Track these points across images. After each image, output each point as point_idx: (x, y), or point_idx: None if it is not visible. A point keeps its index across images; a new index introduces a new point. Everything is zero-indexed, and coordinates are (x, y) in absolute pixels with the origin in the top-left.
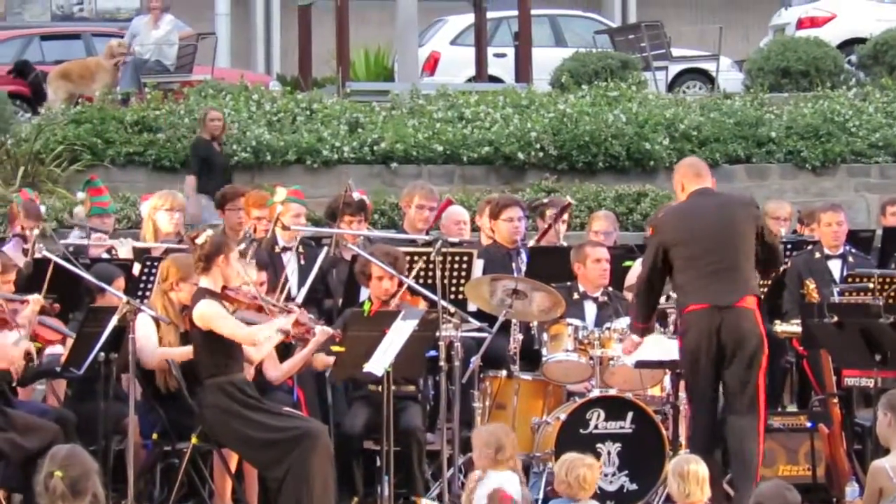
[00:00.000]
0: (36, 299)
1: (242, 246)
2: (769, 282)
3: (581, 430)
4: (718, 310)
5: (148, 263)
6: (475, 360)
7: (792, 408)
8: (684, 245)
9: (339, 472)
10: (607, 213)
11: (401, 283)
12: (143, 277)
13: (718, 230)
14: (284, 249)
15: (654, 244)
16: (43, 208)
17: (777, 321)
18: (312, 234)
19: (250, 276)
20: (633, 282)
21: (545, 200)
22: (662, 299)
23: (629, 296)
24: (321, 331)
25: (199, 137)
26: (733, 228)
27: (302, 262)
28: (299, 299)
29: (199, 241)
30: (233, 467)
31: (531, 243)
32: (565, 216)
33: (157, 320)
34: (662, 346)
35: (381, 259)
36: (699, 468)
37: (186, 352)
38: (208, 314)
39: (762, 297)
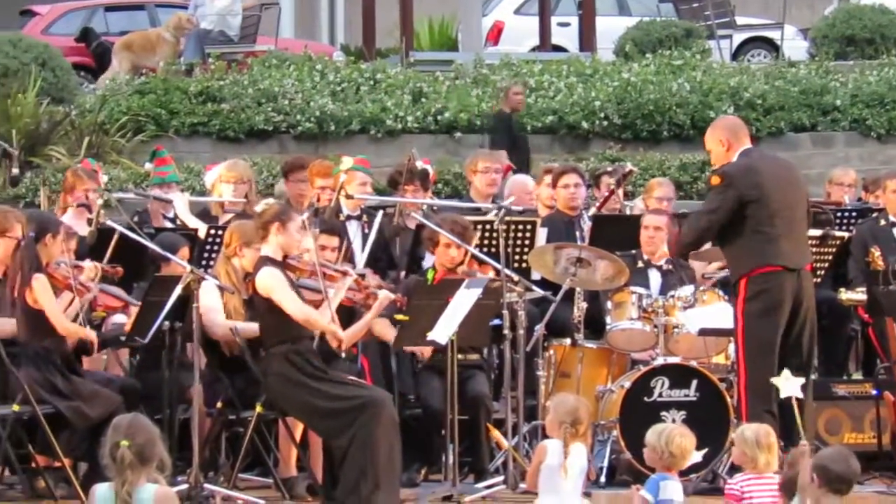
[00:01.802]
0: (92, 265)
1: (305, 215)
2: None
3: (645, 398)
4: (795, 272)
5: (212, 232)
6: (539, 329)
7: (857, 375)
8: (758, 203)
9: (410, 442)
10: (666, 181)
11: (468, 252)
12: (208, 247)
13: (788, 191)
14: (349, 218)
15: (729, 196)
16: (106, 178)
17: (842, 289)
18: (377, 203)
19: (307, 245)
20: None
21: (609, 169)
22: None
23: (695, 264)
24: (384, 296)
25: (500, 111)
26: (798, 190)
27: (366, 230)
28: (360, 264)
29: (257, 209)
30: (297, 436)
31: (592, 211)
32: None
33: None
34: (727, 313)
35: (450, 228)
36: (771, 435)
37: (253, 328)
38: (270, 284)
39: (821, 269)
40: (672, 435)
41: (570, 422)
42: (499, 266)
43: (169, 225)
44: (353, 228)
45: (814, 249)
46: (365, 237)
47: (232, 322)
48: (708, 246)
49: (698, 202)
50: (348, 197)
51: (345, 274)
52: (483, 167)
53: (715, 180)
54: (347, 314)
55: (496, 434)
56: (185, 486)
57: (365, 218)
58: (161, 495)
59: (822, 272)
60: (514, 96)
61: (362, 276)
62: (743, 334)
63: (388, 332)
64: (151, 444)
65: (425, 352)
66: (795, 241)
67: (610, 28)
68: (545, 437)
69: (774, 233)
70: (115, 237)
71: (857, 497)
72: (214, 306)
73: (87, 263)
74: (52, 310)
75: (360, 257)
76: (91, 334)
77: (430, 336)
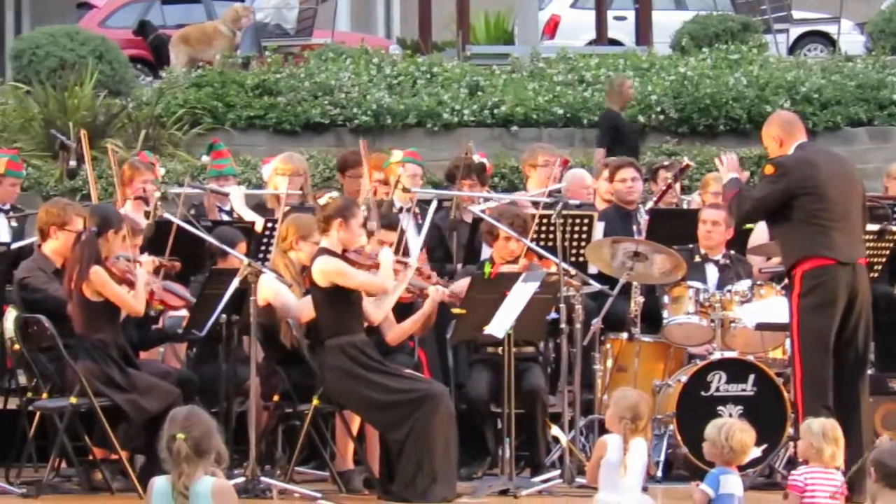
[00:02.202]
0: (150, 259)
1: (364, 209)
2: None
3: (702, 393)
4: (850, 266)
5: (269, 226)
6: (596, 323)
7: None
8: (811, 196)
9: (465, 435)
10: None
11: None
12: (265, 240)
13: (843, 185)
14: (401, 210)
15: (780, 186)
16: (163, 171)
17: None
18: (433, 197)
19: (364, 241)
20: (755, 244)
21: (665, 163)
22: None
23: (752, 259)
24: (440, 290)
25: (608, 109)
26: (853, 184)
27: (419, 221)
28: (414, 255)
29: (321, 201)
30: (354, 429)
31: (649, 205)
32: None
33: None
34: (784, 308)
35: (509, 222)
36: (837, 429)
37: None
38: (331, 269)
39: (878, 263)
40: (733, 430)
41: (630, 417)
42: (556, 260)
43: (225, 218)
44: (406, 221)
45: (871, 244)
46: (418, 228)
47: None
48: (766, 240)
49: None
50: (405, 190)
51: (406, 266)
52: (542, 161)
53: (768, 169)
54: (401, 309)
55: (554, 429)
56: (241, 479)
57: (416, 210)
58: (218, 488)
59: (879, 267)
60: (627, 90)
61: (418, 270)
62: (798, 329)
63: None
64: (208, 437)
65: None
66: (849, 234)
67: (666, 22)
68: (602, 431)
69: (827, 225)
70: (174, 231)
71: None
72: (281, 290)
73: (146, 257)
74: (117, 295)
75: (414, 249)
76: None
77: (487, 330)
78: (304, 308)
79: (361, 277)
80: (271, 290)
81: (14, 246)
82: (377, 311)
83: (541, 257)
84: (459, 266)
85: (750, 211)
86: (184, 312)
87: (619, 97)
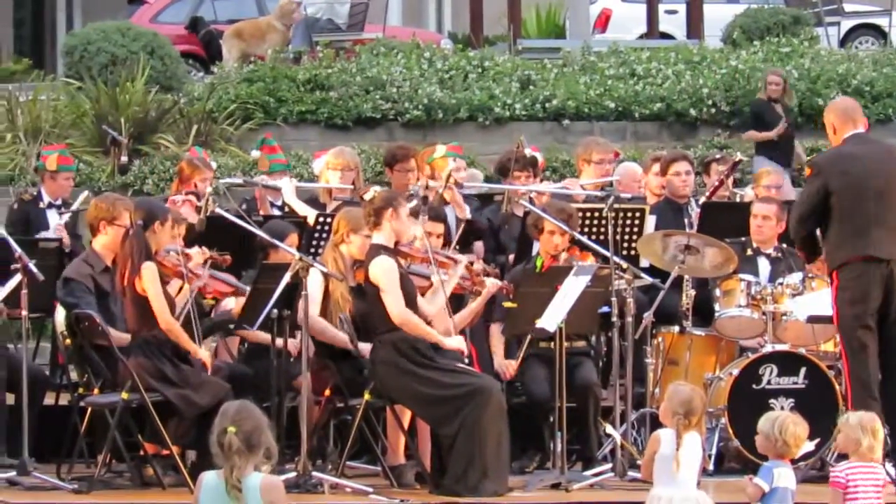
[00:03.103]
0: (200, 251)
1: (414, 203)
2: None
3: (754, 386)
4: (884, 262)
5: (321, 220)
6: (648, 316)
7: None
8: (847, 191)
9: (517, 429)
10: (775, 168)
11: (572, 239)
12: (317, 234)
13: (881, 177)
14: (445, 203)
15: (815, 185)
16: (214, 165)
17: None
18: (486, 191)
19: (416, 233)
20: None
21: (717, 156)
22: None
23: None
24: (492, 283)
25: (758, 98)
26: (894, 179)
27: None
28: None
29: (366, 197)
30: (405, 424)
31: (702, 199)
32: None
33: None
34: None
35: (554, 215)
36: (878, 423)
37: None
38: (380, 275)
39: None
40: (786, 423)
41: (684, 413)
42: (608, 253)
43: (277, 213)
44: (450, 213)
45: None
46: (457, 221)
47: (323, 321)
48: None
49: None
50: (457, 185)
51: (456, 261)
52: (598, 158)
53: (808, 171)
54: (456, 301)
55: (607, 427)
56: (293, 474)
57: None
58: (267, 484)
59: None
60: (769, 86)
61: (471, 263)
62: (838, 324)
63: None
64: (259, 432)
65: (510, 372)
66: (890, 230)
67: (717, 15)
68: (654, 425)
69: (863, 222)
70: (227, 224)
71: None
72: (314, 297)
73: (195, 250)
74: (157, 301)
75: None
76: (204, 354)
77: (539, 323)
78: (319, 327)
79: (395, 306)
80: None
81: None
82: (430, 306)
83: (584, 249)
84: (511, 258)
85: (794, 216)
86: (233, 303)
87: (765, 88)
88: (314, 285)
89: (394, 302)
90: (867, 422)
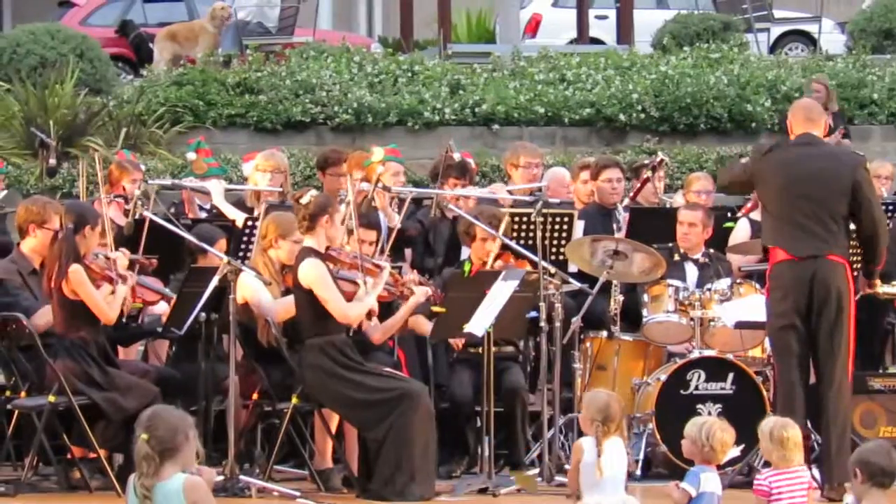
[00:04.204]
0: (121, 253)
1: (344, 207)
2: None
3: (681, 391)
4: (804, 261)
5: (249, 224)
6: (576, 321)
7: (893, 369)
8: (770, 186)
9: (444, 434)
10: (704, 174)
11: (502, 245)
12: (245, 237)
13: (811, 180)
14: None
15: (746, 166)
16: (143, 167)
17: (878, 282)
18: (415, 195)
19: (345, 238)
20: (735, 242)
21: (645, 161)
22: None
23: (732, 257)
24: (420, 292)
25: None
26: (827, 182)
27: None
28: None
29: (303, 200)
30: (333, 428)
31: (626, 201)
32: (662, 175)
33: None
34: (763, 306)
35: (485, 221)
36: (792, 429)
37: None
38: (313, 277)
39: (857, 262)
40: (713, 429)
41: (601, 419)
42: (536, 258)
43: (204, 215)
44: (384, 219)
45: (851, 243)
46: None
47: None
48: (747, 238)
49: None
50: (385, 189)
51: (381, 268)
52: (525, 162)
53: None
54: (385, 308)
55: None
56: (220, 478)
57: (397, 209)
58: (190, 485)
59: (859, 266)
60: (814, 94)
61: (399, 268)
62: (767, 325)
63: (422, 326)
64: (172, 436)
65: (458, 342)
66: (811, 232)
67: (648, 21)
68: (581, 430)
69: (791, 222)
70: (146, 227)
71: (891, 491)
72: (259, 289)
73: (118, 253)
74: (92, 299)
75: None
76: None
77: (467, 328)
78: (281, 308)
79: (335, 303)
80: (250, 288)
81: None
82: (356, 312)
83: (517, 257)
84: (440, 261)
85: (720, 181)
86: (162, 307)
87: (809, 95)
88: (254, 283)
89: (333, 299)
90: (777, 430)
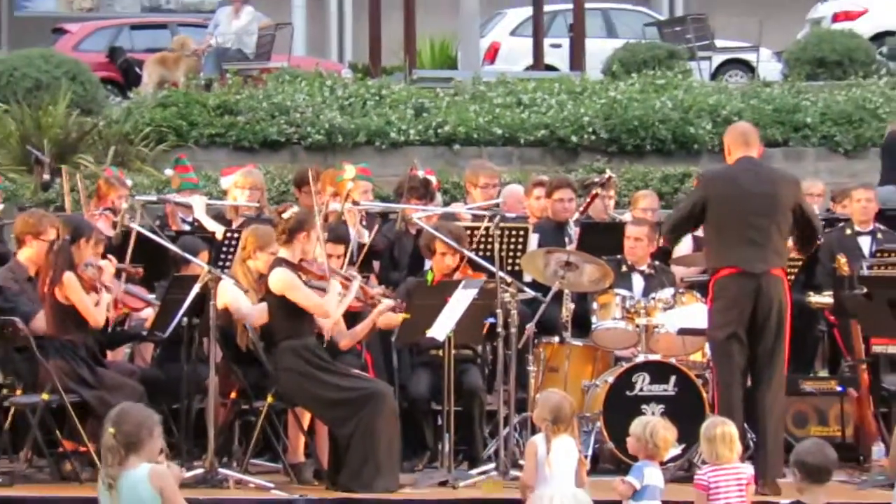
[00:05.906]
0: (107, 262)
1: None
2: (806, 257)
3: (627, 392)
4: (752, 276)
5: (229, 235)
6: (530, 327)
7: (823, 373)
8: (724, 207)
9: (407, 431)
10: (651, 192)
11: (462, 259)
12: (225, 248)
13: (758, 199)
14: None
15: (695, 197)
16: (130, 183)
17: (810, 293)
18: (381, 210)
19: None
20: (679, 255)
21: (595, 179)
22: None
23: (675, 269)
24: (385, 303)
25: (892, 130)
26: (772, 200)
27: (364, 238)
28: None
29: (285, 215)
30: (305, 425)
31: (576, 216)
32: (612, 192)
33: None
34: (704, 314)
35: (446, 235)
36: (728, 429)
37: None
38: (284, 282)
39: (791, 274)
40: (657, 428)
41: (552, 419)
42: (493, 269)
43: (187, 228)
44: (355, 234)
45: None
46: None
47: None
48: (689, 251)
49: None
50: (355, 203)
51: (351, 280)
52: (483, 182)
53: (694, 182)
54: (351, 317)
55: None
56: (201, 471)
57: (364, 223)
58: (155, 473)
59: (793, 277)
60: None
61: (367, 278)
62: (708, 331)
63: (394, 321)
64: (140, 430)
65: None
66: (758, 247)
67: (598, 49)
68: (535, 428)
69: (737, 238)
70: (133, 238)
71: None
72: (238, 296)
73: (104, 262)
74: (83, 304)
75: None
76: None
77: (430, 333)
78: (258, 313)
79: (310, 299)
80: (229, 295)
81: None
82: (329, 318)
83: (476, 270)
84: (404, 273)
85: (667, 224)
86: (148, 312)
87: None
88: (234, 291)
89: (306, 297)
90: (709, 429)
